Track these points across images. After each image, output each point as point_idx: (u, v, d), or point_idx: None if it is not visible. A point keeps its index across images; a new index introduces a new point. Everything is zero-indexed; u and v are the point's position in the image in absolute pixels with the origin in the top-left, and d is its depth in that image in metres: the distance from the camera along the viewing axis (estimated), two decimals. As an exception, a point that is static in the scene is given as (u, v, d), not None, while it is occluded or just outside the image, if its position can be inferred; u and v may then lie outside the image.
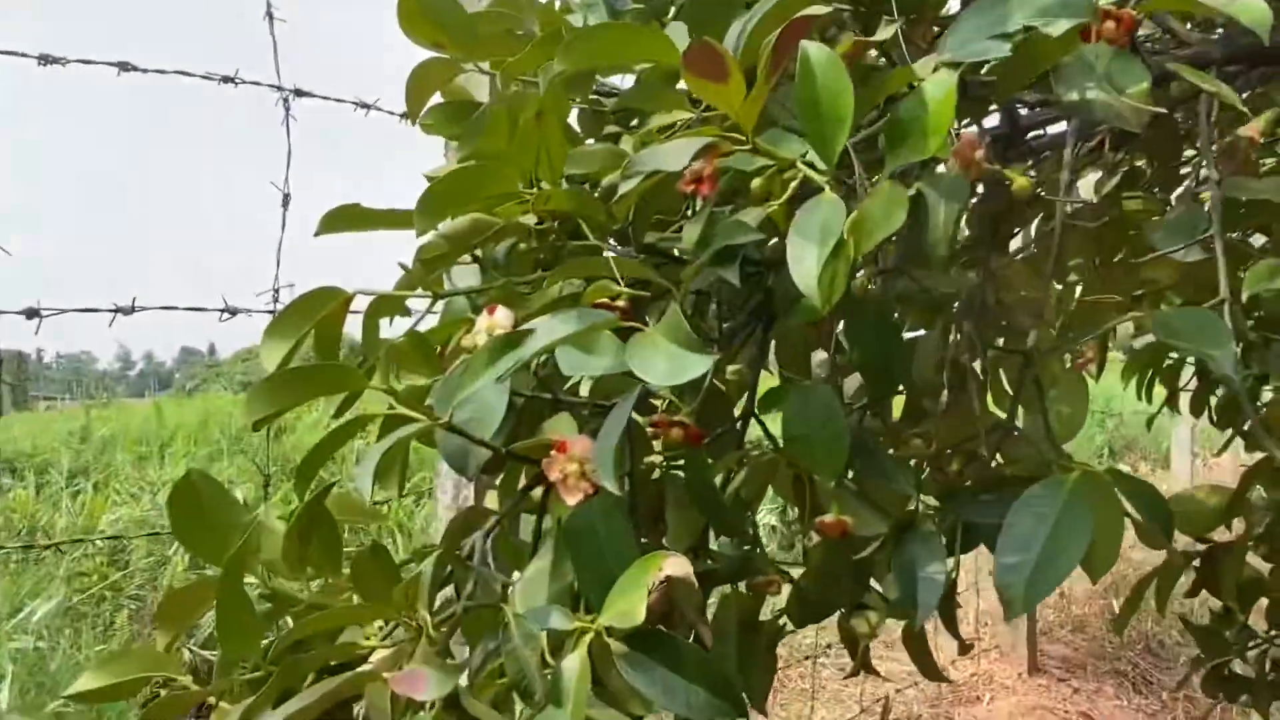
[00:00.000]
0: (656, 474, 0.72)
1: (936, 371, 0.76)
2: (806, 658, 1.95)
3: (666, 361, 0.45)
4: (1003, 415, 0.82)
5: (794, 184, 0.54)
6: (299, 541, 0.52)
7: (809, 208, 0.45)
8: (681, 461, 0.71)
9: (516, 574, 0.69)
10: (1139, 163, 1.18)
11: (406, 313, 0.60)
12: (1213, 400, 1.61)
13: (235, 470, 4.04)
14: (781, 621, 0.83)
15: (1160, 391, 1.62)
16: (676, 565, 0.47)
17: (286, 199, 0.90)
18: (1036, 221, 1.07)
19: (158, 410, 5.92)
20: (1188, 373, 1.63)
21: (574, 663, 0.47)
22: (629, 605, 0.47)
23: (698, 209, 0.59)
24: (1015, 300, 0.88)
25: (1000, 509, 0.66)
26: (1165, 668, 2.34)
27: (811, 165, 0.48)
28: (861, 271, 0.64)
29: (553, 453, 0.51)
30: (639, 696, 0.58)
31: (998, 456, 0.84)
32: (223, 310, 0.86)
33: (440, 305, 0.76)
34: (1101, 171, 1.21)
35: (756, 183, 0.58)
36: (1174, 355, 1.64)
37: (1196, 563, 1.00)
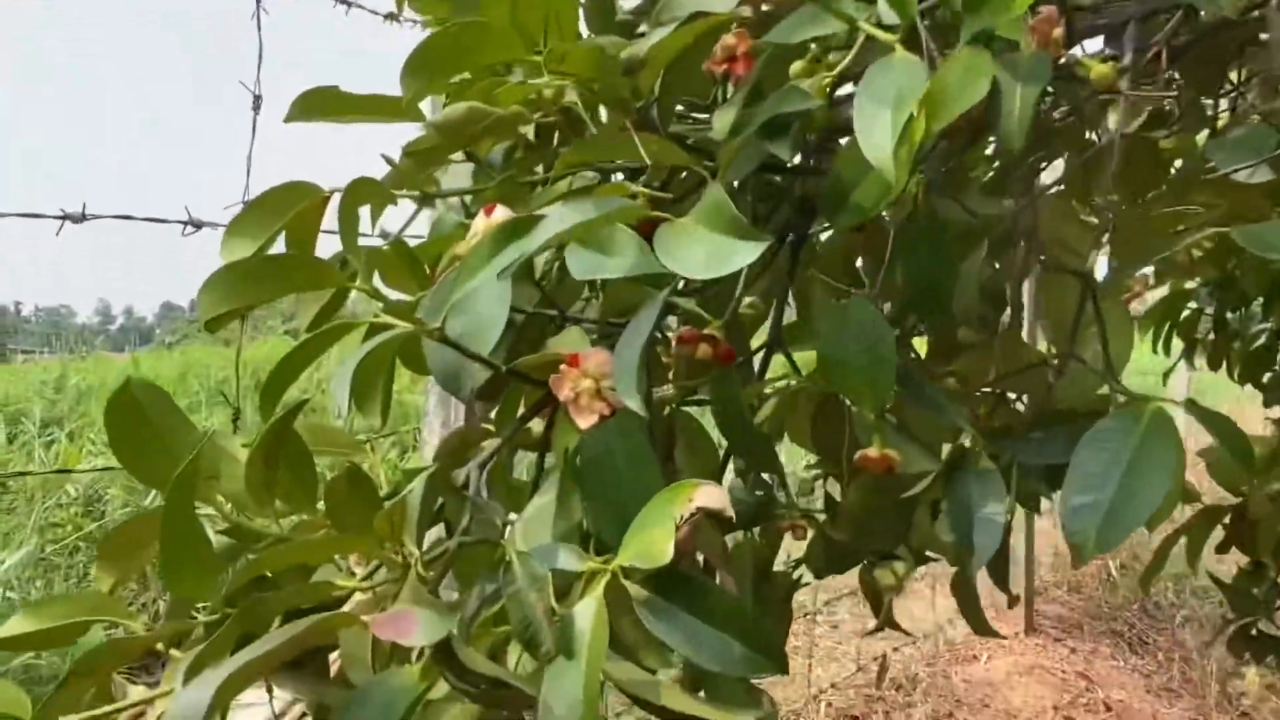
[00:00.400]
0: (666, 411, 0.65)
1: (980, 300, 0.69)
2: (805, 614, 1.91)
3: (707, 250, 0.37)
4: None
5: (845, 62, 0.46)
6: (264, 467, 0.44)
7: (880, 69, 0.38)
8: (695, 397, 0.64)
9: (514, 516, 0.62)
10: (1166, 105, 1.11)
11: (392, 201, 0.53)
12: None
13: (215, 422, 3.95)
14: (798, 573, 0.76)
15: (1163, 350, 1.56)
16: (710, 496, 0.40)
17: (257, 101, 0.81)
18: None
19: (135, 363, 5.81)
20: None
21: (589, 609, 0.40)
22: (653, 542, 0.40)
23: (729, 96, 0.51)
24: (1063, 227, 0.81)
25: (1054, 447, 0.59)
26: (1161, 628, 2.31)
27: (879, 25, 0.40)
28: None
29: (563, 367, 0.44)
30: (655, 648, 0.51)
31: (1024, 398, 0.77)
32: (186, 223, 0.77)
33: (428, 216, 0.68)
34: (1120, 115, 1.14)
35: (797, 66, 0.50)
36: (1191, 306, 1.58)
37: (1227, 518, 0.95)
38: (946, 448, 0.62)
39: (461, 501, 0.45)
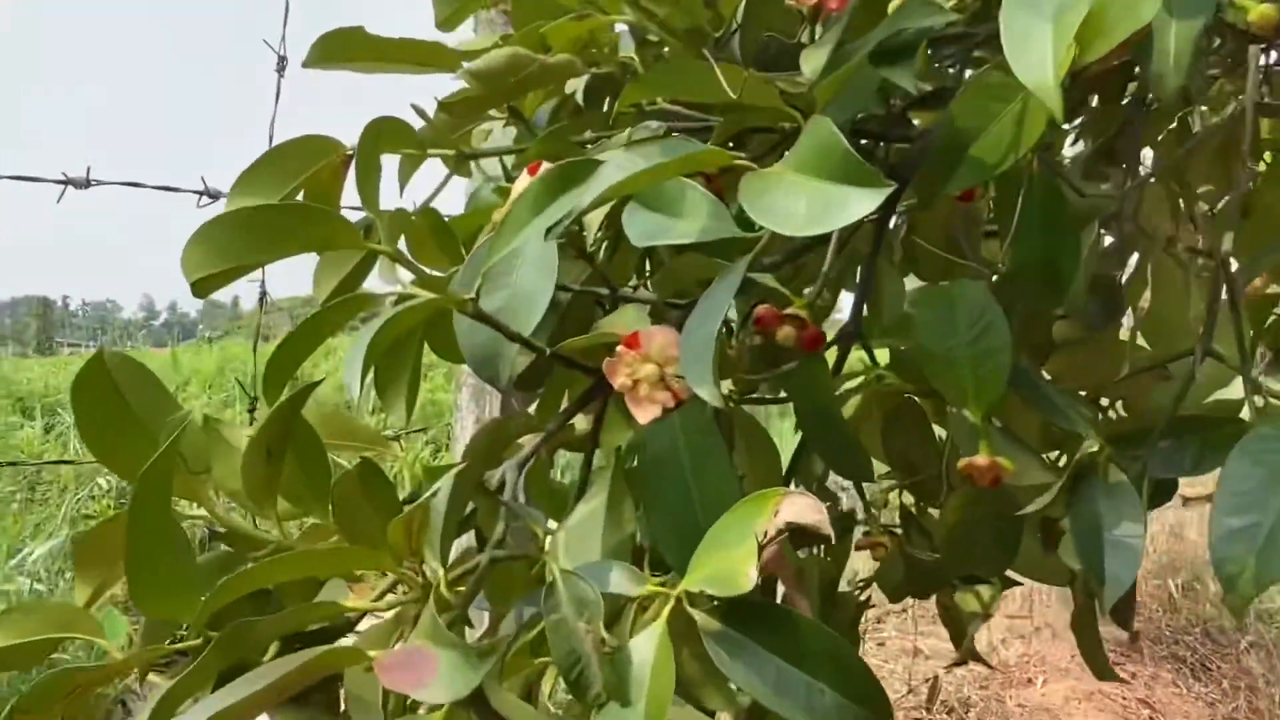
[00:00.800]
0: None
1: (1089, 291, 0.60)
2: (853, 632, 1.81)
3: (810, 200, 0.29)
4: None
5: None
6: (266, 461, 0.37)
7: (1031, -27, 0.30)
8: (755, 394, 0.56)
9: (554, 524, 0.55)
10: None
11: (421, 153, 0.45)
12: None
13: (243, 419, 3.94)
14: (866, 594, 0.68)
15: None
16: (801, 509, 0.32)
17: (283, 62, 0.74)
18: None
19: (174, 357, 5.86)
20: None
21: (650, 643, 0.32)
22: (730, 565, 0.32)
23: (818, 37, 0.43)
24: (1162, 214, 0.73)
25: (1183, 458, 0.51)
26: (1225, 654, 2.18)
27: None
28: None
29: (619, 350, 0.36)
30: (719, 684, 0.44)
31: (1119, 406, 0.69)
32: (201, 193, 0.71)
33: (465, 192, 0.61)
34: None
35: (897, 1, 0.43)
36: (1278, 312, 1.48)
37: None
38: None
39: (495, 507, 0.37)
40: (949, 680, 1.77)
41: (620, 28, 0.57)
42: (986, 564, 0.49)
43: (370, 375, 0.44)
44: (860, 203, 0.28)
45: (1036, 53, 0.28)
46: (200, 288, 0.34)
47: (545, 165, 0.44)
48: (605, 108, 0.57)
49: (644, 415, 0.36)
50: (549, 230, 0.33)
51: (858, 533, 0.60)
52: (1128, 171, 0.73)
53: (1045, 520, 0.51)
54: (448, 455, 2.90)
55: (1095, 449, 0.45)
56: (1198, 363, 0.50)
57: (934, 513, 0.67)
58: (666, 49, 0.51)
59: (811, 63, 0.40)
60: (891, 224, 0.70)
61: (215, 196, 0.72)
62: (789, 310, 0.40)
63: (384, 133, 0.40)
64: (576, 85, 0.56)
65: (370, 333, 0.32)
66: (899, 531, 0.63)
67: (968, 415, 0.46)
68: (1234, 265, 0.67)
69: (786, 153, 0.32)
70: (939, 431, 0.67)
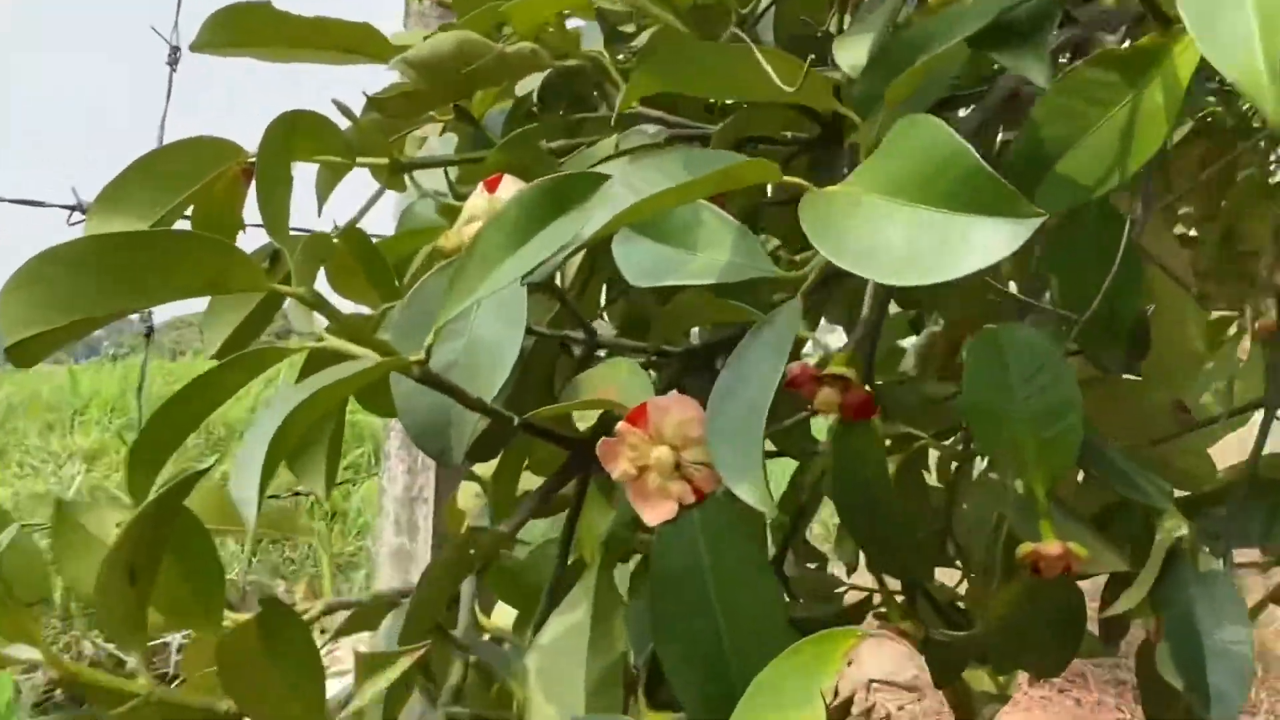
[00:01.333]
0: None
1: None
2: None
3: (914, 235, 0.21)
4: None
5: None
6: (129, 583, 0.27)
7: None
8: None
9: (503, 609, 0.45)
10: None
11: (343, 160, 0.36)
12: None
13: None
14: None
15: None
16: (889, 659, 0.23)
17: (175, 54, 0.63)
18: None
19: (71, 376, 5.52)
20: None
21: None
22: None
23: (847, 25, 0.35)
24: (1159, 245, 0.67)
25: (1255, 526, 0.44)
26: (1164, 676, 2.18)
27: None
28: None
29: (621, 428, 0.27)
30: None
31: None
32: (72, 208, 0.59)
33: (397, 205, 0.51)
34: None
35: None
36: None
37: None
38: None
39: (449, 644, 0.27)
40: (901, 715, 1.71)
41: (581, 22, 0.48)
42: (1045, 659, 0.41)
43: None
44: (994, 239, 0.20)
45: (1233, 30, 0.20)
46: (21, 354, 0.23)
47: (508, 178, 0.34)
48: (563, 111, 0.48)
49: (654, 515, 0.27)
50: (528, 274, 0.24)
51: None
52: (1135, 194, 0.66)
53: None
54: (371, 485, 2.74)
55: (1184, 532, 0.37)
56: (1275, 415, 0.44)
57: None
58: (642, 37, 0.42)
59: (851, 55, 0.31)
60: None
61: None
62: (831, 370, 0.31)
63: (297, 133, 0.29)
64: (530, 84, 0.47)
65: (273, 422, 0.22)
66: (900, 598, 0.55)
67: (1018, 487, 0.38)
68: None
69: (863, 165, 0.23)
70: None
